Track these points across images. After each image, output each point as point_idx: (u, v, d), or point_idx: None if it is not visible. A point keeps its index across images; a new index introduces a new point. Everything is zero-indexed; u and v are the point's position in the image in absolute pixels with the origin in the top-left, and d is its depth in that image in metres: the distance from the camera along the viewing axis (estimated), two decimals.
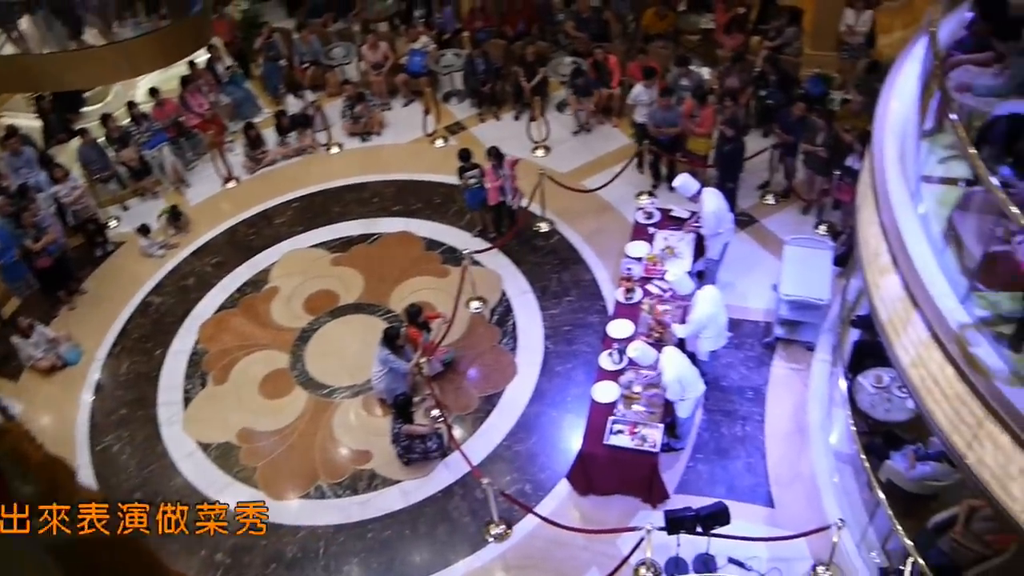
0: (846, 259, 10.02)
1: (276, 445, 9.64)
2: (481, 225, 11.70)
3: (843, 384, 8.54)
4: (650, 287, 9.74)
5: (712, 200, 9.74)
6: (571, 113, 13.31)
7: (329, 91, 14.60)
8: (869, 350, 8.75)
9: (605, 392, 8.74)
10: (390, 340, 9.46)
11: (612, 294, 10.41)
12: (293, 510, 9.04)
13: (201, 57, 14.25)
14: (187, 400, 10.21)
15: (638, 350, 8.40)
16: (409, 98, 14.40)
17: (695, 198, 9.82)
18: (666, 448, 8.88)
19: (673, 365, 8.29)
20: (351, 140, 13.81)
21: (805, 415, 9.35)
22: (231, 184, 13.19)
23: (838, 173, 10.65)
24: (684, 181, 9.81)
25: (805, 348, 9.94)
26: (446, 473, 9.22)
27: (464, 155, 11.20)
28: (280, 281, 11.52)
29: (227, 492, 9.22)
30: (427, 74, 14.13)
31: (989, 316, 5.85)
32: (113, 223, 12.64)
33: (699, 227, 10.00)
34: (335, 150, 13.66)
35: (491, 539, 8.63)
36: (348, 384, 10.18)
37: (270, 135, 13.60)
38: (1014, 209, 5.18)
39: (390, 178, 12.98)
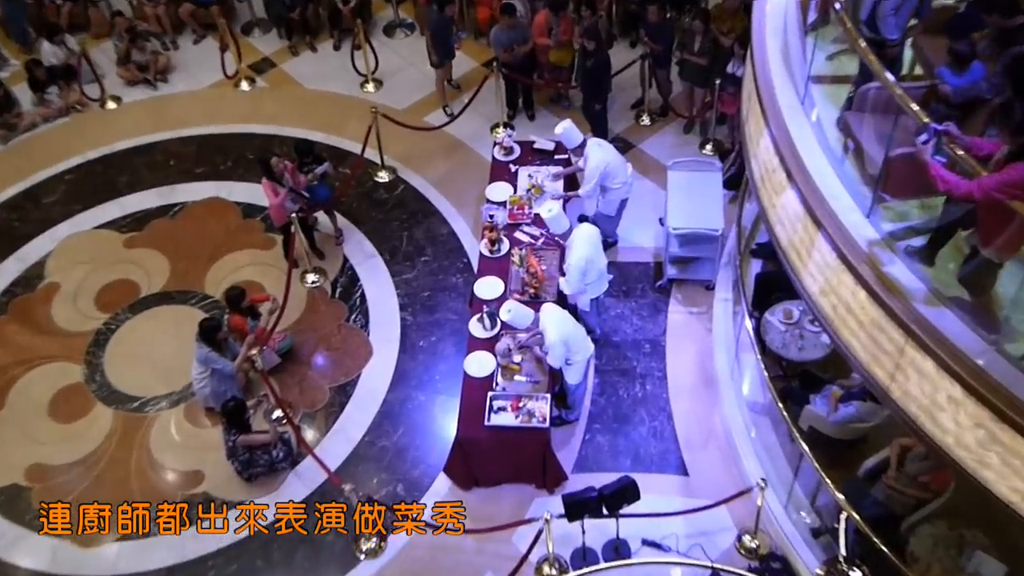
0: (738, 180, 10.38)
1: (79, 479, 9.26)
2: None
3: (749, 324, 8.89)
4: (519, 235, 9.84)
5: (597, 153, 9.71)
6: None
7: (94, 32, 14.00)
8: (774, 282, 9.13)
9: (479, 364, 8.80)
10: (209, 334, 9.21)
11: (475, 248, 10.47)
12: (111, 556, 8.73)
13: None
14: None
15: (511, 311, 8.47)
16: (200, 33, 13.95)
17: (579, 150, 9.83)
18: (558, 422, 9.06)
19: (555, 324, 8.41)
20: (131, 91, 13.28)
21: (711, 364, 9.69)
22: None
23: (719, 82, 10.98)
24: (567, 129, 9.71)
25: (703, 288, 10.28)
26: (299, 485, 9.11)
27: (304, 148, 10.79)
28: (60, 275, 11.02)
29: (19, 547, 8.80)
30: (218, 2, 13.68)
31: (899, 229, 6.22)
32: None
33: (575, 194, 10.10)
34: (112, 105, 13.11)
35: (363, 556, 8.61)
36: (164, 392, 9.88)
37: (23, 93, 12.91)
38: (914, 106, 5.49)
39: (188, 134, 12.58)
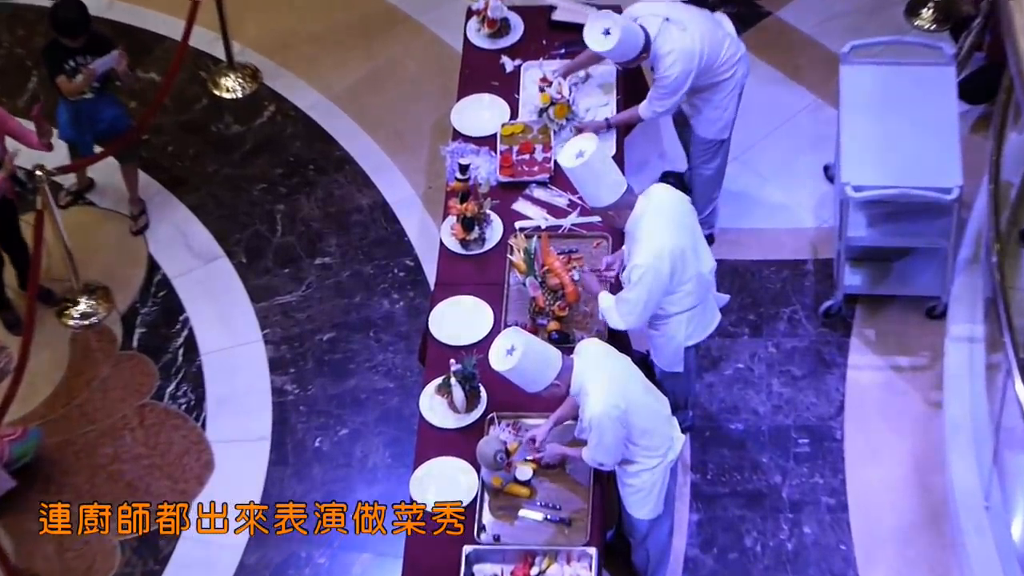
0: (990, 84, 10.53)
1: None
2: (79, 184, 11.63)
3: (1023, 390, 8.90)
4: (523, 206, 9.94)
5: (677, 38, 9.65)
6: None
7: None
8: None
9: (444, 483, 8.82)
10: None
11: (431, 235, 10.60)
12: None
13: None
14: None
15: (514, 350, 8.18)
16: None
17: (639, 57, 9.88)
18: None
19: (601, 381, 8.25)
20: None
21: (944, 478, 9.69)
22: None
23: None
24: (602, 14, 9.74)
25: (922, 314, 10.38)
26: None
27: (71, 19, 10.71)
28: None
29: None
30: None
31: None
32: None
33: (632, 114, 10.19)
34: None
35: None
36: None
37: None
38: None
39: None
